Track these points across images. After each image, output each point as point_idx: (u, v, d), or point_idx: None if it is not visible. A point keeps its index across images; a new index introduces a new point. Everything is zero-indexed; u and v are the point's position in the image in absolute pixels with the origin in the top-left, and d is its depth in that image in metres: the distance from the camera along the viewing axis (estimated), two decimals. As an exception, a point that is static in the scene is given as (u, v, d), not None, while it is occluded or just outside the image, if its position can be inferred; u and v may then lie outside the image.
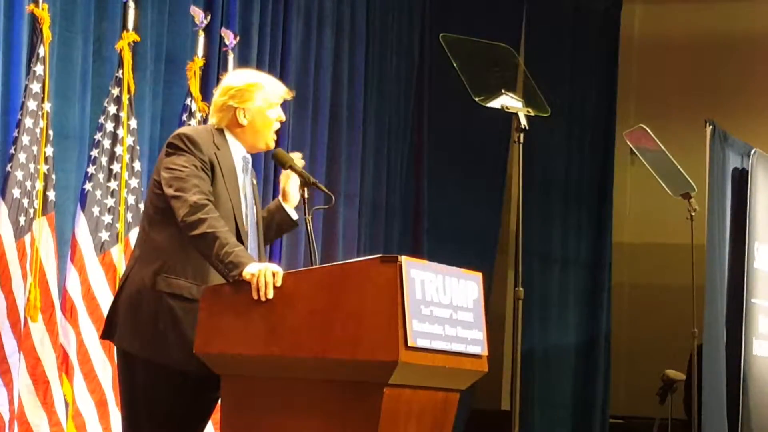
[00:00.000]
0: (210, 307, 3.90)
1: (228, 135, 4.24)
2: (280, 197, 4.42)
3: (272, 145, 4.31)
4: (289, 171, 4.37)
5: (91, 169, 5.87)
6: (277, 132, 4.34)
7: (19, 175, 5.40)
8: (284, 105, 4.33)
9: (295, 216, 4.41)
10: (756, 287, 8.54)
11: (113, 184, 5.92)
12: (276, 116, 4.26)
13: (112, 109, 5.95)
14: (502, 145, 9.43)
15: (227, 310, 3.87)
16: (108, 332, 4.18)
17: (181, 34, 6.62)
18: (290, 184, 4.39)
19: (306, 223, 4.35)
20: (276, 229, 4.44)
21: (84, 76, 6.02)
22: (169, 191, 4.03)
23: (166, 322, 4.02)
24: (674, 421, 7.66)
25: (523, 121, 4.91)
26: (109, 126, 5.93)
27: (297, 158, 4.39)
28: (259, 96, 4.23)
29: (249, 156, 4.29)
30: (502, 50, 5.27)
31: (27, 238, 5.43)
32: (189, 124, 6.26)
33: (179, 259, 4.04)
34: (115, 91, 5.96)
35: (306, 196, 4.33)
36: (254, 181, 4.34)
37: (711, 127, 8.25)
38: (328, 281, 3.81)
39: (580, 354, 10.10)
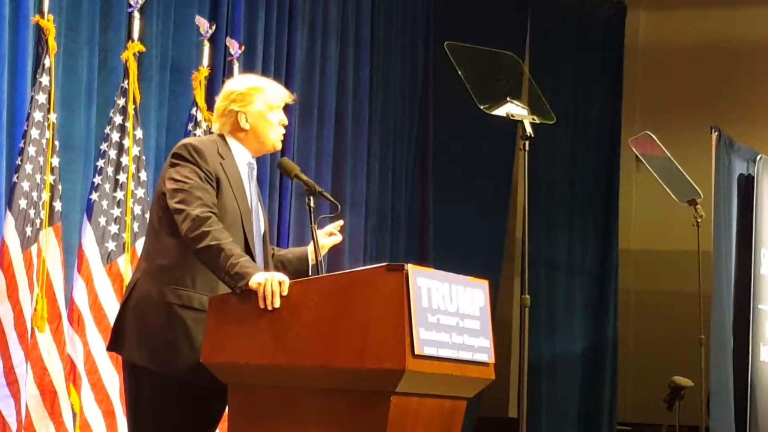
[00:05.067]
0: (217, 317, 3.90)
1: (232, 141, 4.24)
2: (309, 253, 4.41)
3: (279, 146, 4.31)
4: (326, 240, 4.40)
5: (97, 179, 5.88)
6: (283, 140, 4.34)
7: (25, 185, 5.41)
8: (289, 114, 4.34)
9: (311, 273, 4.41)
10: (762, 293, 8.53)
11: (119, 194, 5.93)
12: (278, 119, 4.26)
13: (117, 119, 5.96)
14: (508, 153, 9.44)
15: (234, 320, 3.88)
16: (115, 344, 4.17)
17: (186, 43, 6.64)
18: (330, 245, 4.42)
19: (312, 232, 4.36)
20: (290, 272, 4.43)
21: (89, 86, 6.04)
22: (172, 204, 4.03)
23: (177, 332, 4.02)
24: (682, 428, 7.65)
25: (529, 129, 4.91)
26: (115, 136, 5.95)
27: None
28: (260, 99, 4.23)
29: (254, 162, 4.29)
30: (506, 58, 5.27)
31: (34, 248, 5.44)
32: (195, 134, 6.27)
33: (187, 269, 4.04)
34: (121, 102, 5.97)
35: (312, 205, 4.33)
36: (258, 188, 4.35)
37: (716, 133, 8.25)
38: (334, 290, 3.81)
39: (587, 361, 10.10)
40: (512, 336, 9.21)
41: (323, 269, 4.34)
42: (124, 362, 4.20)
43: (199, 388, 4.01)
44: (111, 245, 5.86)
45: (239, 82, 4.36)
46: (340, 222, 4.43)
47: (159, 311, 4.03)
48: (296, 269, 4.42)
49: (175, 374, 4.01)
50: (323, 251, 4.40)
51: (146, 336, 4.05)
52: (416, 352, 3.72)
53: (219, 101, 4.29)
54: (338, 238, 4.44)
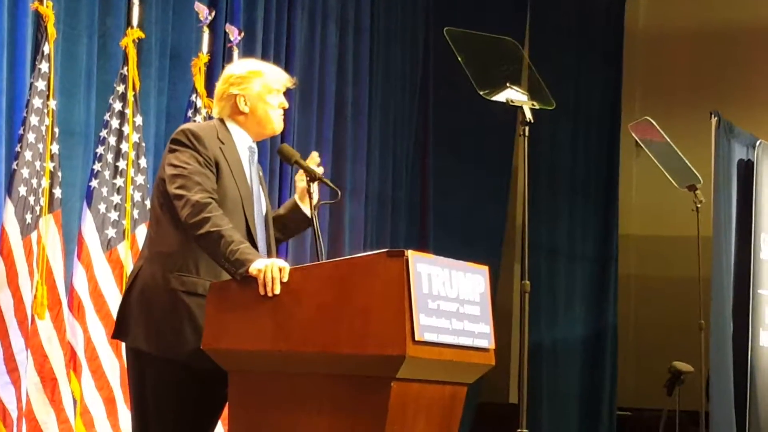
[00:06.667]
0: (217, 303, 3.90)
1: (232, 125, 4.24)
2: (297, 197, 4.41)
3: (279, 128, 4.29)
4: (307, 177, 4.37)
5: (96, 166, 5.88)
6: (283, 126, 4.33)
7: (25, 172, 5.41)
8: (289, 100, 4.33)
9: (308, 213, 4.38)
10: (762, 278, 8.53)
11: (119, 181, 5.93)
12: (278, 102, 4.25)
13: (117, 105, 5.95)
14: (508, 139, 9.44)
15: (234, 306, 3.88)
16: (119, 332, 4.17)
17: (185, 30, 6.63)
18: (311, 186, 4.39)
19: (312, 218, 4.35)
20: (291, 229, 4.43)
21: (89, 73, 6.03)
22: (172, 189, 4.02)
23: (182, 318, 4.01)
24: (681, 413, 7.66)
25: (528, 115, 4.91)
26: (115, 123, 5.94)
27: (314, 159, 4.36)
28: (259, 82, 4.23)
29: (255, 146, 4.28)
30: (506, 44, 5.26)
31: (33, 235, 5.44)
32: (194, 121, 6.27)
33: (189, 256, 4.04)
34: (120, 88, 5.97)
35: (312, 191, 4.33)
36: (260, 173, 4.34)
37: (716, 118, 8.24)
38: (335, 276, 3.81)
39: (587, 346, 10.11)
40: (512, 322, 9.22)
41: (324, 255, 4.33)
42: (127, 349, 4.19)
43: (204, 374, 4.01)
44: (111, 232, 5.87)
45: (238, 66, 4.36)
46: (314, 156, 4.37)
47: (163, 298, 4.03)
48: (292, 219, 4.39)
49: (181, 360, 4.01)
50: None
51: (151, 323, 4.05)
52: (417, 338, 3.72)
53: (219, 85, 4.29)
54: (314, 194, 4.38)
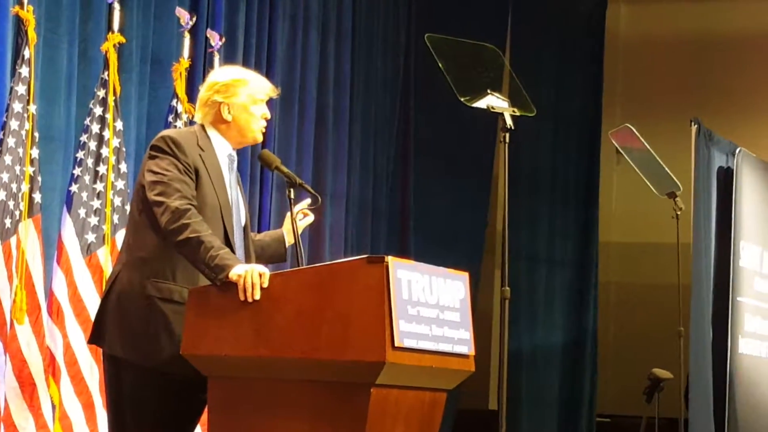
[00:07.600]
0: (197, 309, 3.90)
1: (213, 132, 4.24)
2: (285, 233, 4.43)
3: (260, 138, 4.31)
4: (302, 217, 4.42)
5: (77, 171, 5.86)
6: (264, 132, 4.34)
7: (4, 177, 5.39)
8: (270, 105, 4.34)
9: (289, 253, 4.44)
10: (742, 285, 8.55)
11: (99, 186, 5.91)
12: (261, 113, 4.26)
13: (97, 110, 5.94)
14: (489, 145, 9.45)
15: (214, 312, 3.88)
16: (96, 337, 4.17)
17: (166, 35, 6.62)
18: (303, 226, 4.45)
19: (293, 224, 4.36)
20: (267, 257, 4.46)
21: (69, 77, 6.01)
22: (151, 196, 4.03)
23: (157, 325, 4.02)
24: (661, 420, 7.68)
25: (509, 121, 4.92)
26: (95, 128, 5.92)
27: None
28: (244, 91, 4.23)
29: (235, 154, 4.29)
30: (487, 50, 5.27)
31: (13, 240, 5.42)
32: (175, 126, 6.26)
33: (167, 262, 4.04)
34: (101, 93, 5.95)
35: (292, 197, 4.33)
36: (239, 181, 4.35)
37: (696, 126, 8.26)
38: (315, 282, 3.81)
39: (567, 353, 10.12)
40: (492, 328, 9.23)
41: (304, 261, 4.34)
42: (104, 355, 4.19)
43: (181, 380, 4.00)
44: (91, 237, 5.85)
45: (224, 73, 4.35)
46: (307, 201, 4.44)
47: (140, 304, 4.03)
48: (274, 251, 4.44)
49: (157, 366, 4.01)
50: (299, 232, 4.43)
51: (127, 329, 4.05)
52: (396, 345, 3.72)
53: (202, 91, 4.29)
54: (311, 218, 4.47)
